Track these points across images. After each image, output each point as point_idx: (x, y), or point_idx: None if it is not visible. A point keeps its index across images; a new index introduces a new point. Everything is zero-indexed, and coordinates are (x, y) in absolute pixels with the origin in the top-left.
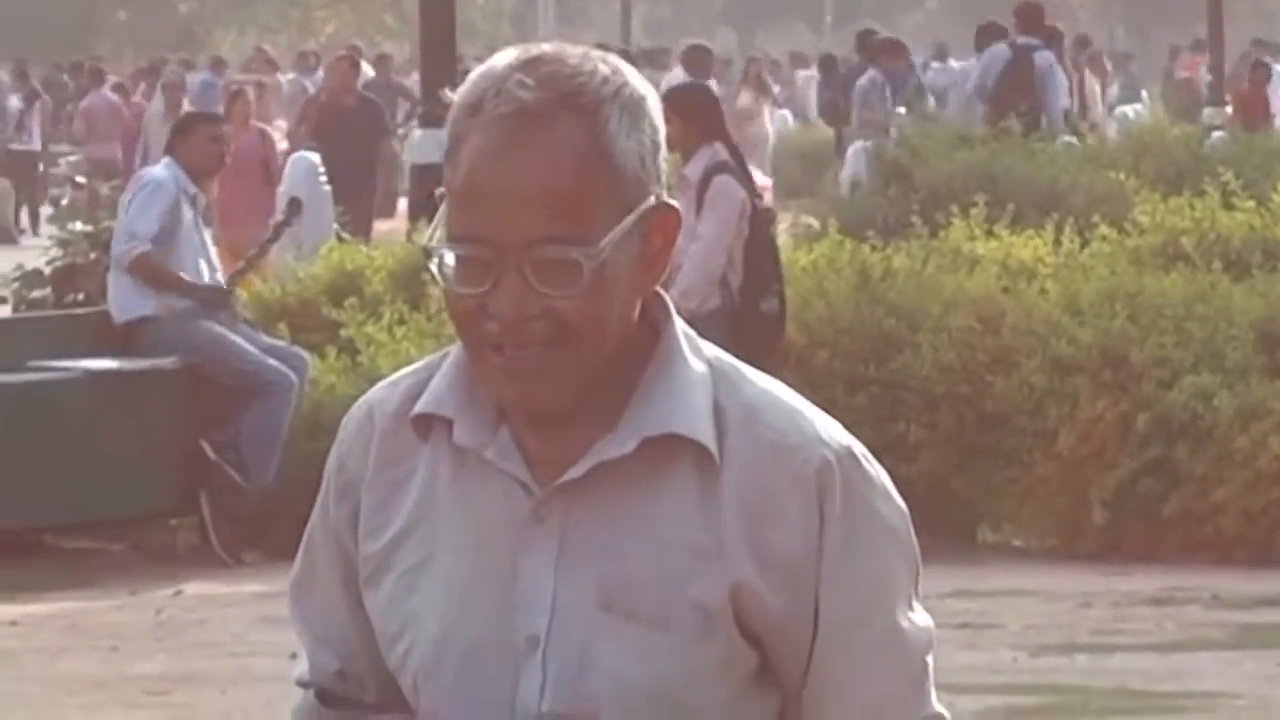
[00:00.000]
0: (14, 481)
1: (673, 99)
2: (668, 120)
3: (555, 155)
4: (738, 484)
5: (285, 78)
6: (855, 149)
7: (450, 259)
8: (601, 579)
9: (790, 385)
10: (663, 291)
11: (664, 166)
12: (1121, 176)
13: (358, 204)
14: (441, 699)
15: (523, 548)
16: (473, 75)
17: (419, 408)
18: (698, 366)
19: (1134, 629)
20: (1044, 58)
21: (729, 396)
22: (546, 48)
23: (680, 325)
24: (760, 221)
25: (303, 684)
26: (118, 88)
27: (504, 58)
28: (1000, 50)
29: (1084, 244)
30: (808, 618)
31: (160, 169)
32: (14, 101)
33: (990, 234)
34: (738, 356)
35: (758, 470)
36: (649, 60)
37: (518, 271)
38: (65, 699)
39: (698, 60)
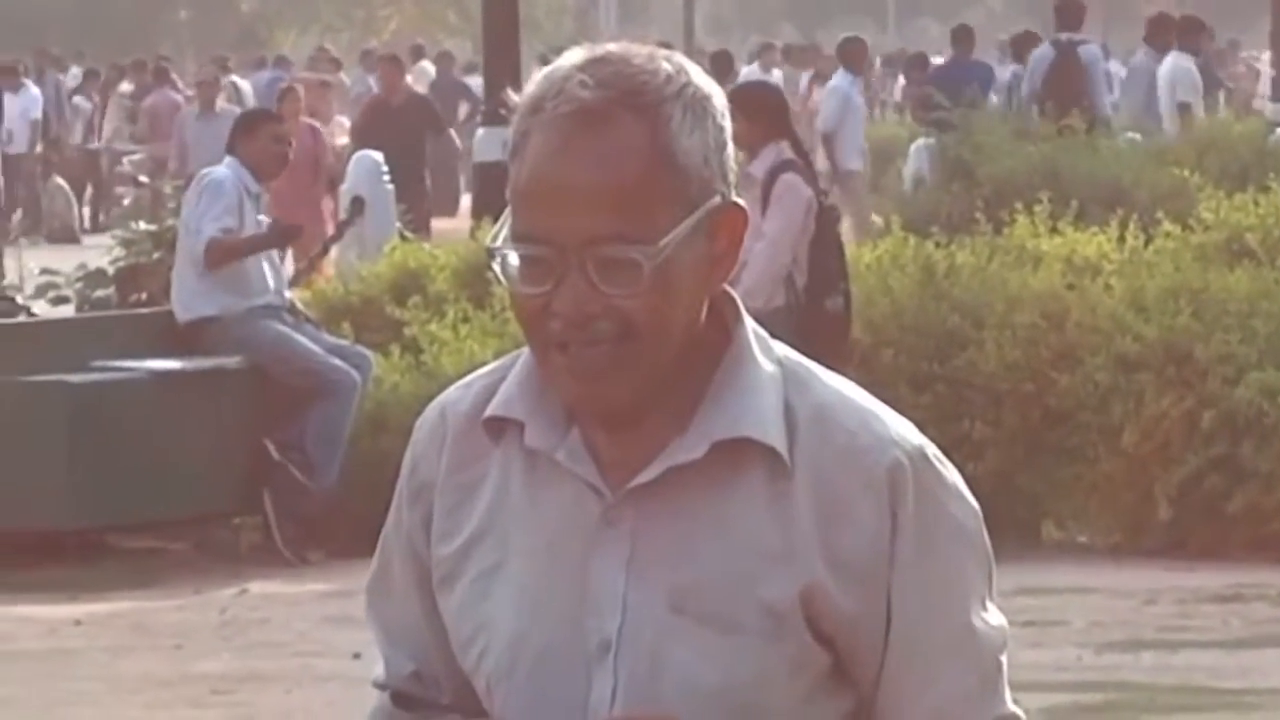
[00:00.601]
0: (78, 482)
1: (738, 97)
2: (732, 119)
3: (615, 154)
4: (809, 486)
5: (348, 76)
6: (918, 146)
7: (514, 259)
8: (672, 583)
9: (854, 383)
10: (733, 291)
11: (731, 165)
12: (1185, 173)
13: (408, 203)
14: (515, 703)
15: (594, 551)
16: (537, 75)
17: (490, 410)
18: (768, 367)
19: (1200, 626)
20: (1089, 52)
21: (799, 397)
22: (612, 47)
23: (751, 325)
24: (826, 219)
25: (379, 686)
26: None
27: (570, 58)
28: (1044, 51)
29: (1148, 240)
30: (880, 618)
31: (222, 168)
32: (80, 100)
33: (1054, 230)
34: (803, 355)
35: (829, 472)
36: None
37: (580, 271)
38: (129, 698)
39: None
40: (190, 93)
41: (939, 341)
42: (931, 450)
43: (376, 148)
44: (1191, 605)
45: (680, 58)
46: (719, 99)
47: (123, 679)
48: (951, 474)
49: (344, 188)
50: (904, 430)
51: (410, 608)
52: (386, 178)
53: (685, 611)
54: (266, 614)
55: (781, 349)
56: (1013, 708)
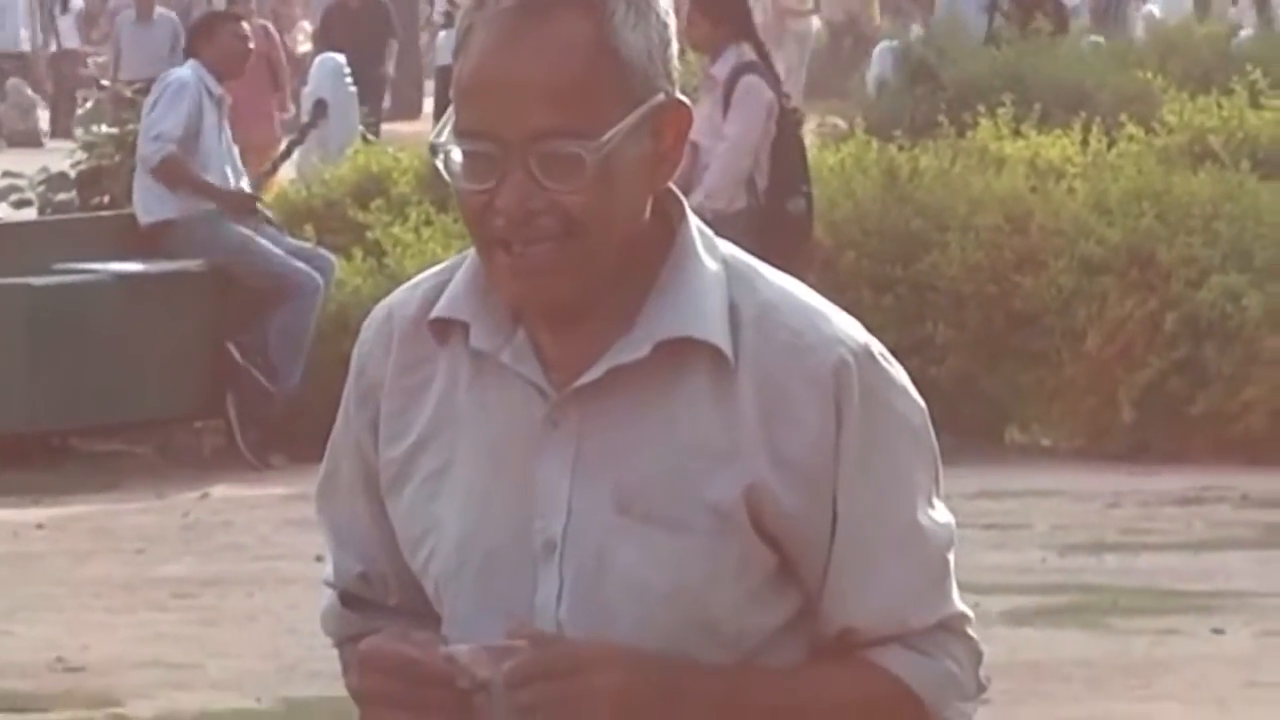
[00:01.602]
0: (40, 385)
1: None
2: (695, 21)
3: (557, 48)
4: (753, 385)
5: None
6: (881, 49)
7: (457, 155)
8: (617, 482)
9: (817, 286)
10: (677, 189)
11: (675, 62)
12: (1148, 75)
13: (367, 106)
14: (463, 603)
15: (539, 452)
16: None
17: (436, 312)
18: (712, 266)
19: (1162, 529)
20: None
21: (744, 296)
22: None
23: (695, 223)
24: (787, 122)
25: (328, 585)
26: None
27: None
28: None
29: (1111, 144)
30: (825, 517)
31: (184, 70)
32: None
33: (1017, 133)
34: (764, 257)
35: (773, 370)
36: None
37: (522, 166)
38: (91, 601)
39: None
40: None
41: (902, 244)
42: (877, 348)
43: (336, 50)
44: (1154, 508)
45: None
46: None
47: (85, 583)
48: (897, 371)
49: (306, 90)
50: (849, 328)
51: (358, 509)
52: (349, 80)
53: (630, 511)
54: (229, 517)
55: (727, 248)
56: (960, 606)
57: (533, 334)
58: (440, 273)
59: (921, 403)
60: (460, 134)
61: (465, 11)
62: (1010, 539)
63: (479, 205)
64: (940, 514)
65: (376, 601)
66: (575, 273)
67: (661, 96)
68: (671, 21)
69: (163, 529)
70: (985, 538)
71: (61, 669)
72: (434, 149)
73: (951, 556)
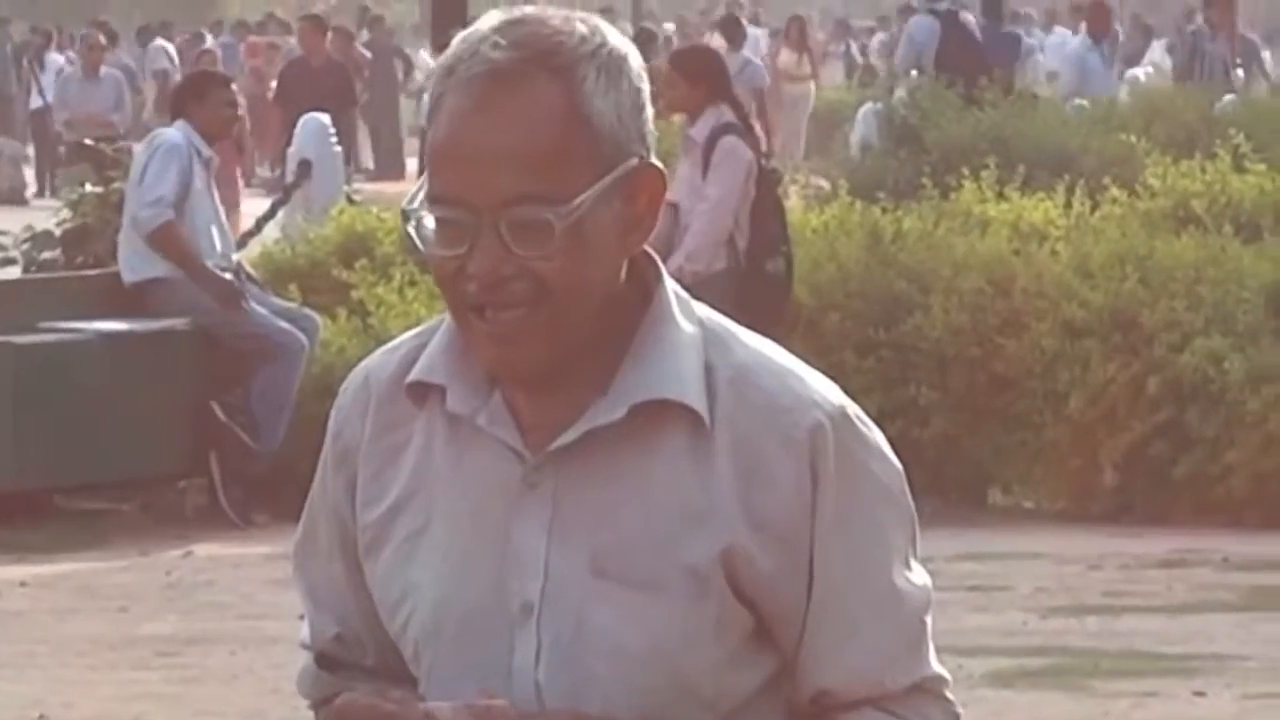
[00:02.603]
0: (24, 442)
1: (678, 61)
2: (673, 83)
3: (526, 115)
4: (730, 447)
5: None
6: (865, 111)
7: (429, 222)
8: (594, 545)
9: (800, 348)
10: (653, 252)
11: (648, 126)
12: (1132, 139)
13: None
14: (441, 666)
15: (516, 514)
16: (455, 39)
17: (413, 375)
18: (689, 328)
19: (1144, 591)
20: (969, 18)
21: (720, 358)
22: (529, 10)
23: (671, 286)
24: (766, 182)
25: (304, 647)
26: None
27: (486, 20)
28: (925, 21)
29: (1095, 207)
30: (801, 580)
31: (173, 130)
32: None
33: (1001, 196)
34: (744, 318)
35: (749, 433)
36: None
37: (493, 232)
38: (74, 659)
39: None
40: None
41: (885, 306)
42: (853, 410)
43: (296, 109)
44: (1136, 571)
45: (596, 20)
46: (635, 60)
47: (68, 641)
48: (873, 433)
49: (290, 150)
50: (825, 390)
51: (334, 571)
52: (334, 140)
53: (607, 574)
54: (212, 576)
55: (703, 310)
56: (937, 668)
57: (509, 397)
58: (417, 336)
59: (898, 465)
60: (432, 200)
61: (437, 79)
62: (993, 601)
63: (451, 271)
64: (917, 576)
65: (352, 663)
66: (549, 337)
67: (634, 161)
68: (644, 86)
69: (146, 587)
70: (968, 599)
71: None
72: (405, 215)
73: (929, 619)
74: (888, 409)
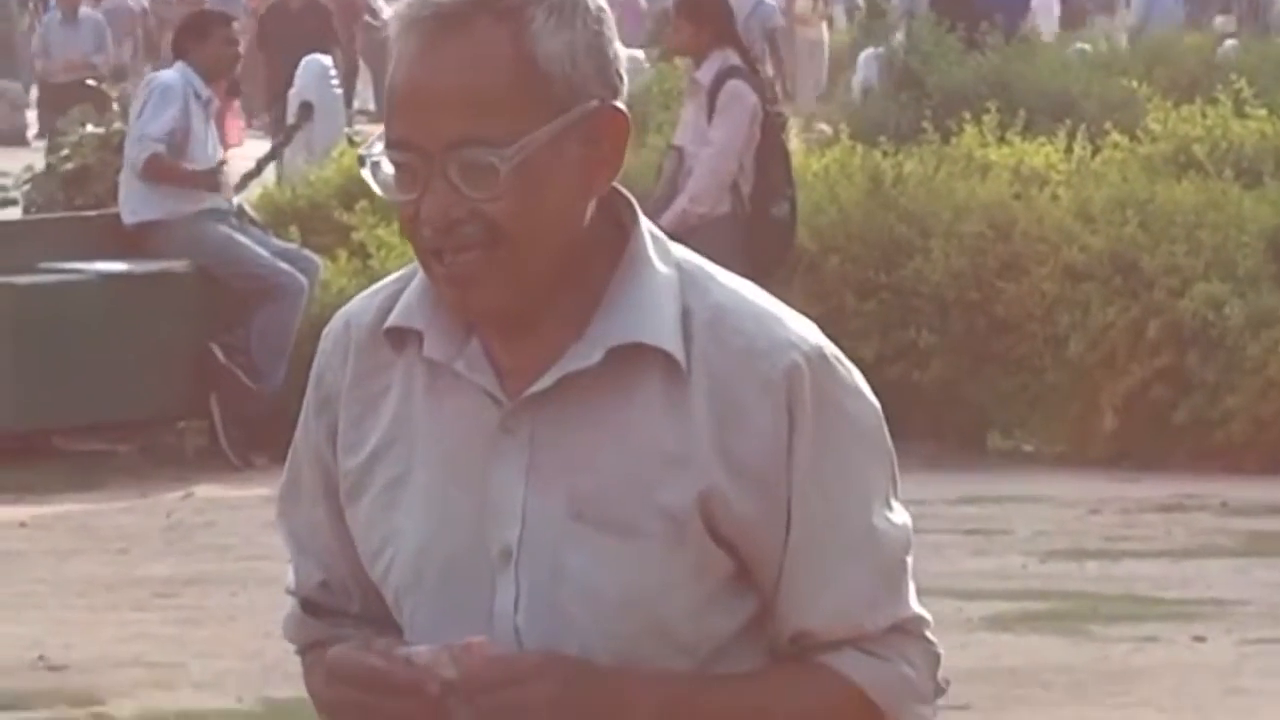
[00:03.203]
0: (24, 383)
1: (683, 4)
2: (678, 27)
3: (470, 57)
4: (706, 390)
5: None
6: (867, 55)
7: (387, 167)
8: (572, 489)
9: (800, 291)
10: (627, 193)
11: (614, 67)
12: (1134, 84)
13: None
14: (422, 612)
15: (493, 460)
16: None
17: (390, 321)
18: (665, 270)
19: (1143, 535)
20: None
21: (697, 300)
22: None
23: (647, 227)
24: (771, 127)
25: (290, 593)
26: None
27: None
28: None
29: (1096, 151)
30: (780, 522)
31: (171, 72)
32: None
33: (1002, 140)
34: (747, 262)
35: (725, 376)
36: None
37: (442, 175)
38: (74, 600)
39: None
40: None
41: (885, 250)
42: (830, 350)
43: (277, 52)
44: (1135, 515)
45: None
46: (594, 1)
47: (67, 582)
48: (850, 373)
49: (292, 91)
50: (802, 331)
51: (318, 518)
52: (335, 82)
53: (584, 518)
54: (212, 517)
55: (680, 251)
56: (917, 608)
57: (486, 342)
58: (396, 281)
59: (876, 404)
60: (388, 145)
61: (392, 25)
62: (992, 545)
63: (410, 216)
64: (897, 516)
65: (338, 609)
66: (507, 279)
67: (594, 104)
68: (605, 27)
69: (145, 529)
70: (967, 543)
71: (43, 668)
72: (362, 161)
73: (909, 559)
74: (887, 353)
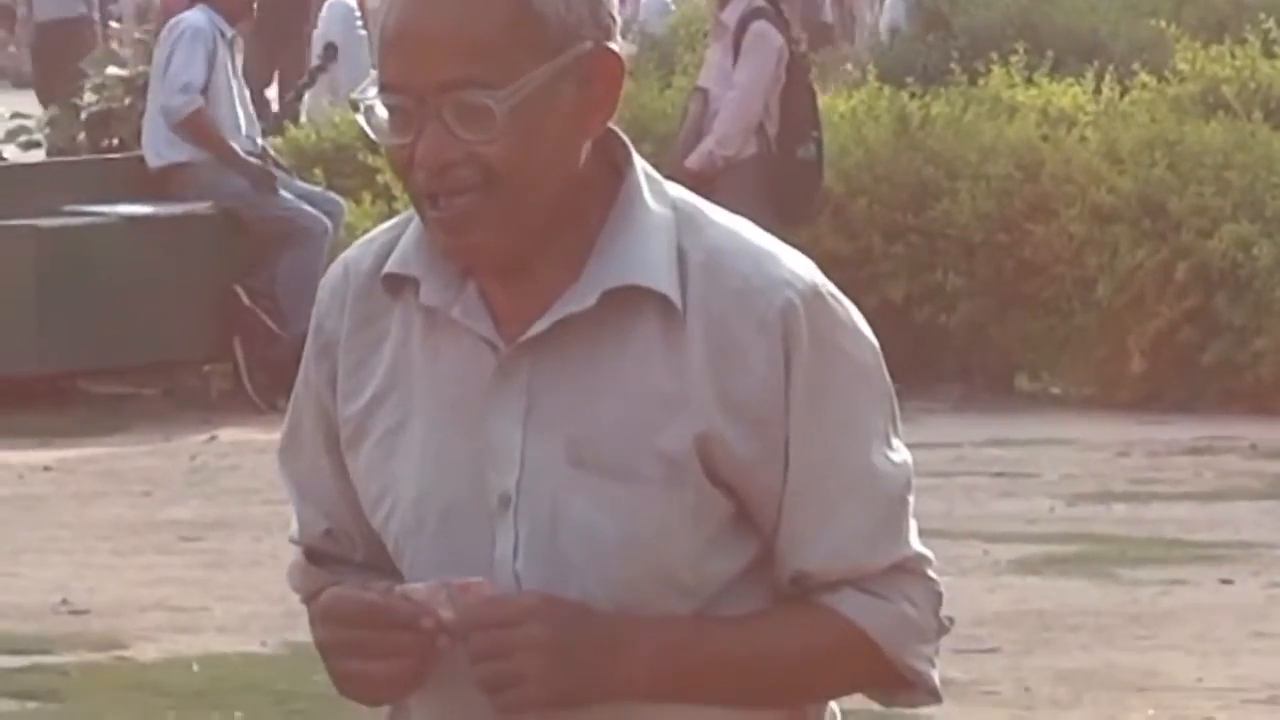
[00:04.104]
0: (48, 327)
1: None
2: None
3: (463, 0)
4: (702, 331)
5: None
6: None
7: (381, 111)
8: (570, 434)
9: (828, 233)
10: (622, 134)
11: (606, 9)
12: (1162, 24)
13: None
14: (422, 560)
15: (491, 406)
16: None
17: (387, 267)
18: (660, 211)
19: (1171, 478)
20: None
21: (692, 241)
22: None
23: (642, 167)
24: (797, 68)
25: (293, 542)
26: None
27: None
28: None
29: (1124, 92)
30: (778, 463)
31: (196, 13)
32: None
33: (1030, 81)
34: (775, 204)
35: (722, 316)
36: None
37: (437, 118)
38: (98, 544)
39: None
40: None
41: (913, 192)
42: (827, 287)
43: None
44: (1163, 458)
45: None
46: None
47: (92, 525)
48: (848, 311)
49: (317, 33)
50: (799, 269)
51: (320, 465)
52: (359, 24)
53: (583, 463)
54: (236, 461)
55: (675, 191)
56: (918, 547)
57: (483, 288)
58: (393, 227)
59: (874, 342)
60: (381, 88)
61: None
62: (1019, 487)
63: (404, 160)
64: (897, 454)
65: (342, 557)
66: (502, 222)
67: (588, 45)
68: None
69: (169, 472)
70: (994, 485)
71: (67, 611)
72: (354, 105)
73: (910, 498)
74: (915, 294)
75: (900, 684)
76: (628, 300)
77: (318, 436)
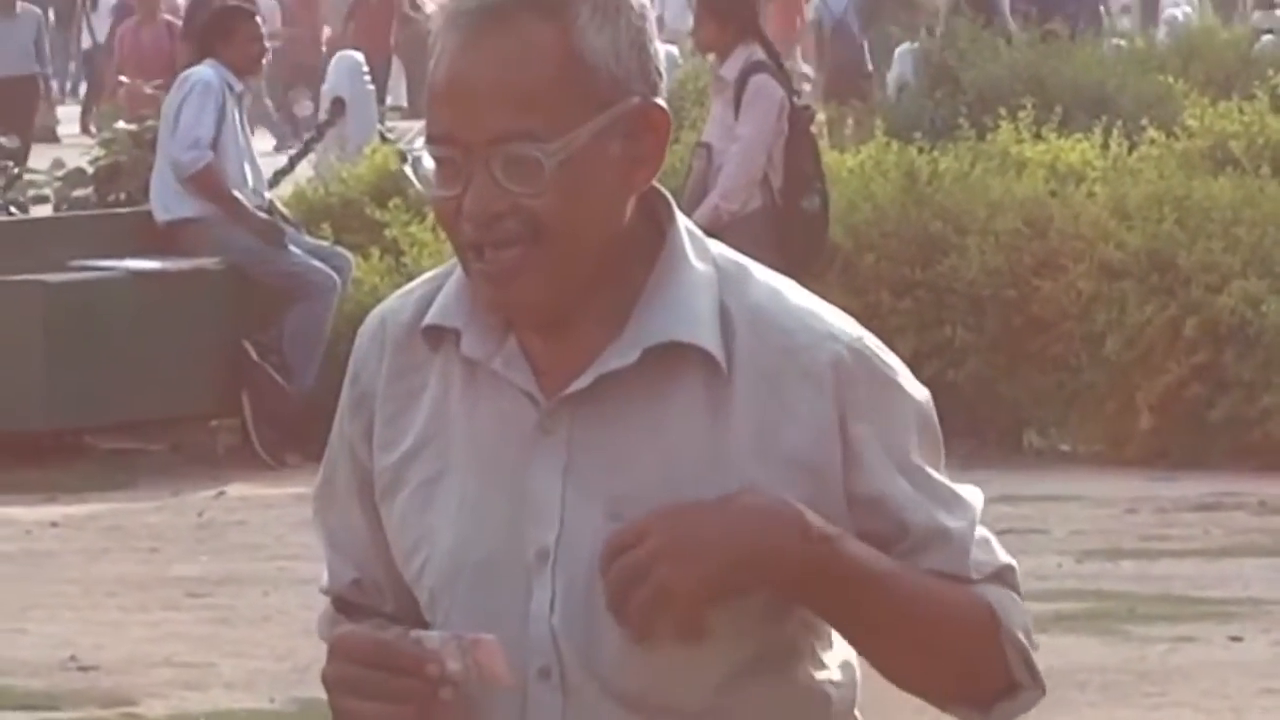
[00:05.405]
0: (55, 382)
1: (707, 1)
2: (702, 23)
3: (517, 52)
4: (748, 388)
5: None
6: (902, 50)
7: (429, 162)
8: (610, 491)
9: (836, 288)
10: (664, 191)
11: (654, 64)
12: (1170, 80)
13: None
14: (457, 614)
15: (531, 460)
16: None
17: (428, 319)
18: (702, 268)
19: (1180, 535)
20: None
21: (735, 298)
22: None
23: (685, 224)
24: (799, 120)
25: (323, 592)
26: None
27: None
28: None
29: (1132, 147)
30: (832, 508)
31: (205, 69)
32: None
33: (1038, 137)
34: (780, 256)
35: (767, 372)
36: None
37: (485, 170)
38: (105, 600)
39: None
40: None
41: (921, 247)
42: (871, 340)
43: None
44: (1172, 514)
45: None
46: None
47: (99, 581)
48: (895, 360)
49: (325, 88)
50: (842, 324)
51: (353, 516)
52: (367, 78)
53: (622, 520)
54: (244, 516)
55: (718, 248)
56: (1008, 558)
57: (524, 341)
58: (432, 279)
59: (925, 390)
60: (429, 140)
61: (436, 19)
62: (1028, 544)
63: (450, 212)
64: (964, 488)
65: (371, 608)
66: (546, 276)
67: (635, 100)
68: (647, 24)
69: (177, 528)
70: (1003, 543)
71: (74, 668)
72: (403, 156)
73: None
74: (923, 350)
75: (997, 682)
76: (670, 357)
77: (351, 486)
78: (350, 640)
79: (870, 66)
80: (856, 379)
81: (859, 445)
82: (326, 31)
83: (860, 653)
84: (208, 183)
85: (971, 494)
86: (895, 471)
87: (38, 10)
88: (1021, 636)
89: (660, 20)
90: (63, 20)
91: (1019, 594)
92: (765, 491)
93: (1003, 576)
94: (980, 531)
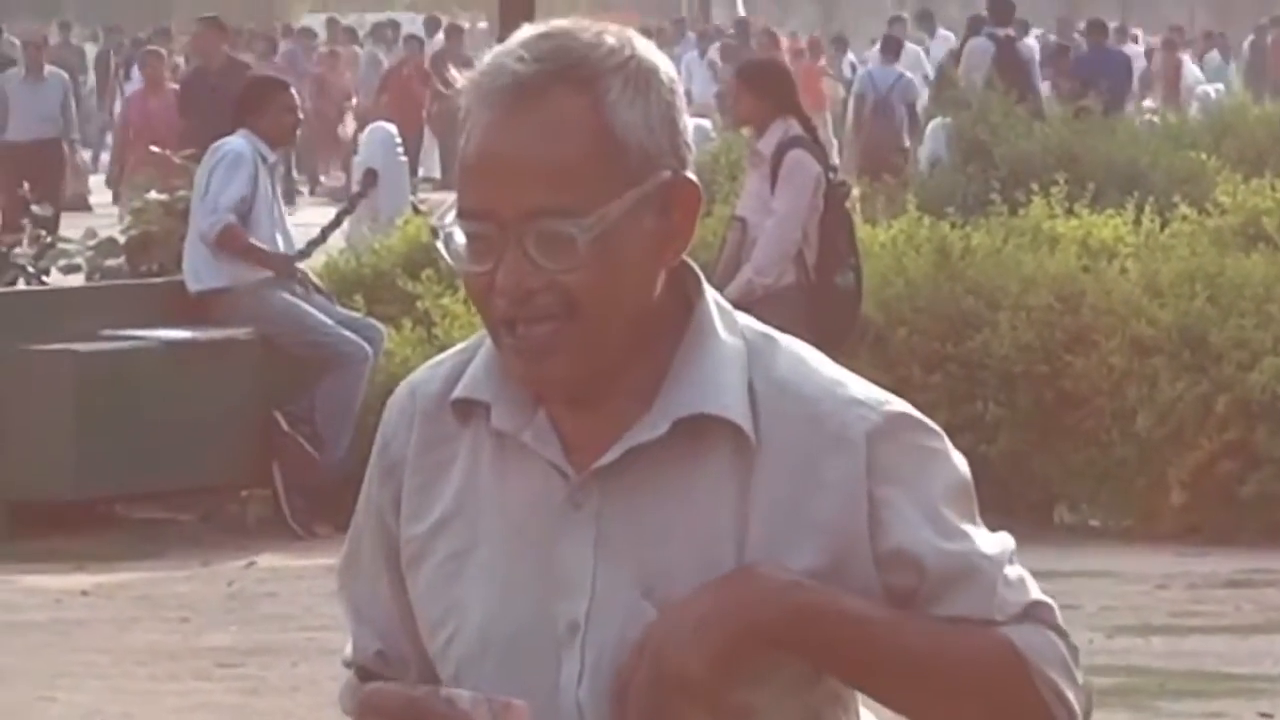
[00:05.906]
0: (86, 451)
1: (745, 74)
2: (740, 97)
3: (549, 127)
4: (776, 459)
5: (362, 50)
6: (934, 126)
7: (460, 238)
8: (640, 564)
9: (868, 363)
10: (693, 264)
11: (684, 138)
12: (1202, 156)
13: None
14: (485, 685)
15: (561, 533)
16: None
17: (457, 392)
18: (731, 341)
19: (1211, 611)
20: (1026, 48)
21: (763, 371)
22: (561, 24)
23: (713, 298)
24: (834, 196)
25: (346, 664)
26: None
27: (517, 35)
28: (981, 43)
29: (1164, 224)
30: (863, 575)
31: (238, 139)
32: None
33: (1070, 212)
34: (813, 332)
35: (796, 444)
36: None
37: (518, 246)
38: (135, 669)
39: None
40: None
41: (953, 322)
42: (900, 405)
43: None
44: (1203, 590)
45: (629, 32)
46: (666, 72)
47: (129, 651)
48: (927, 422)
49: (357, 159)
50: (871, 392)
51: (378, 587)
52: (400, 150)
53: (653, 594)
54: (274, 587)
55: (746, 322)
56: (1041, 595)
57: (553, 414)
58: (462, 351)
59: (962, 457)
60: (461, 215)
61: (465, 93)
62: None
63: (482, 287)
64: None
65: (394, 680)
66: (580, 351)
67: (667, 174)
68: (677, 98)
69: (207, 598)
70: None
71: None
72: (434, 232)
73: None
74: (955, 425)
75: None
76: (699, 430)
77: (377, 556)
78: (381, 696)
79: (906, 141)
80: (890, 444)
81: (885, 505)
82: (353, 101)
83: (885, 705)
84: (230, 240)
85: (1001, 537)
86: (920, 522)
87: (65, 75)
88: (1054, 675)
89: (688, 94)
90: (100, 89)
91: (1057, 630)
92: (768, 563)
93: (1033, 614)
94: (1014, 571)
